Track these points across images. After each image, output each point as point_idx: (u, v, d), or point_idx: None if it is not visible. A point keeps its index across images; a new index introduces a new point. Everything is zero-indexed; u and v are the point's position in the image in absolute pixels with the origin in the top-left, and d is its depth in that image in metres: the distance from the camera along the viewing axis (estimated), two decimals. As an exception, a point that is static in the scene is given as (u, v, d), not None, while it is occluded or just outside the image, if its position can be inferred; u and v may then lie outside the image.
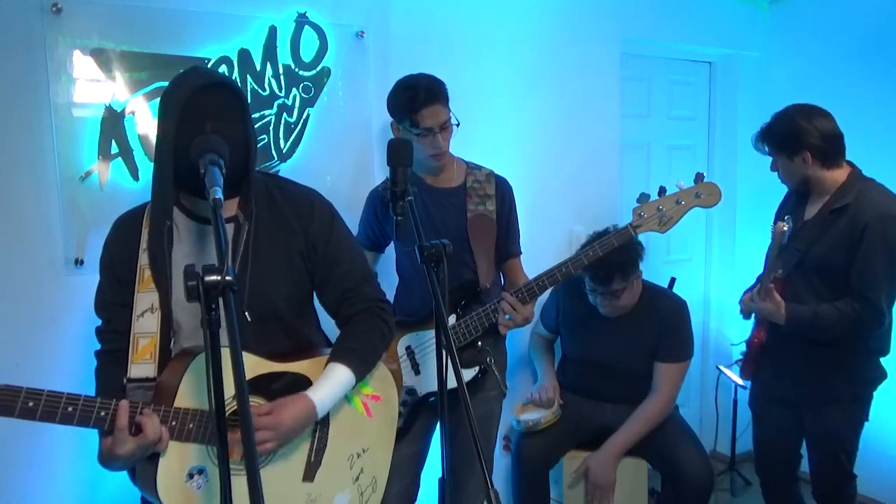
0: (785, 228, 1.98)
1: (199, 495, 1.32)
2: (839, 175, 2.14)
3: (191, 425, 1.32)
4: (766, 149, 2.20)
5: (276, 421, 1.36)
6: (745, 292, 2.36)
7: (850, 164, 2.17)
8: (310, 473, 1.49)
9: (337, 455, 1.53)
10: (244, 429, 0.97)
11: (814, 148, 2.10)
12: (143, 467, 1.33)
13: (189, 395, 1.32)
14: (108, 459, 1.27)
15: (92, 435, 1.45)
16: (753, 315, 2.30)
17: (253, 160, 1.42)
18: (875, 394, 2.21)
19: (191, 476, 1.32)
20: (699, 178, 2.06)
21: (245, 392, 0.98)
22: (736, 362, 2.53)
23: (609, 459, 2.44)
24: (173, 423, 1.30)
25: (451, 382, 1.50)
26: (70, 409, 1.20)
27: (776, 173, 2.22)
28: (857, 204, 2.05)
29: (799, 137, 2.11)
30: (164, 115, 1.37)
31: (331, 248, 1.53)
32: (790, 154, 2.13)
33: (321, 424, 1.51)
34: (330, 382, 1.46)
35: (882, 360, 2.20)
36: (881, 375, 2.20)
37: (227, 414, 1.09)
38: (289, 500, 1.45)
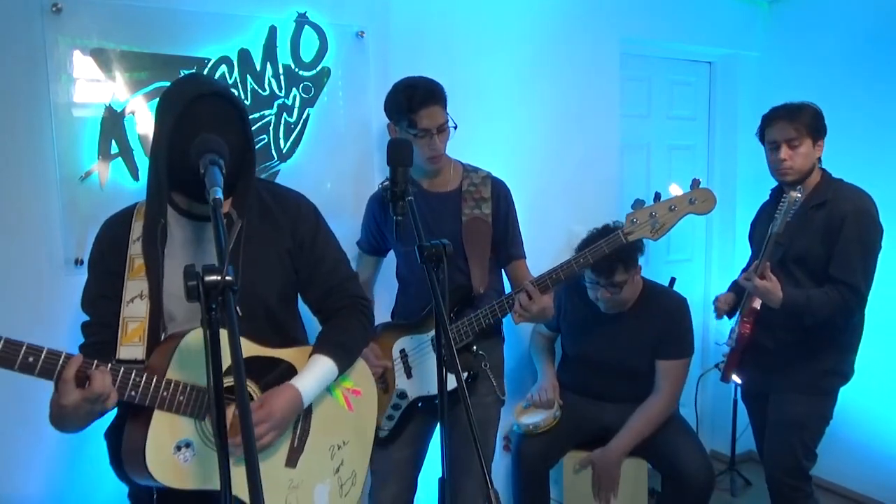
0: (798, 196, 2.02)
1: (185, 468, 1.34)
2: (818, 173, 2.25)
3: (181, 398, 1.35)
4: (790, 131, 2.16)
5: (269, 412, 1.41)
6: (718, 296, 2.46)
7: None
8: (292, 459, 1.53)
9: (319, 444, 1.57)
10: (244, 431, 0.97)
11: (825, 137, 2.20)
12: (131, 435, 1.35)
13: (178, 373, 1.36)
14: (55, 413, 1.29)
15: (89, 435, 1.48)
16: (738, 314, 2.35)
17: (252, 165, 1.46)
18: (849, 386, 2.29)
19: (178, 448, 1.35)
20: (695, 184, 2.03)
21: (245, 395, 0.99)
22: (717, 365, 2.52)
23: (614, 458, 2.45)
24: (164, 393, 1.33)
25: (447, 384, 1.51)
26: (31, 359, 1.21)
27: (783, 162, 2.18)
28: (835, 199, 2.16)
29: (824, 122, 2.20)
30: (159, 122, 1.40)
31: (317, 247, 1.61)
32: (815, 137, 2.19)
33: (304, 412, 1.56)
34: (314, 372, 1.52)
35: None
36: (850, 373, 2.28)
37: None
38: (271, 483, 1.47)
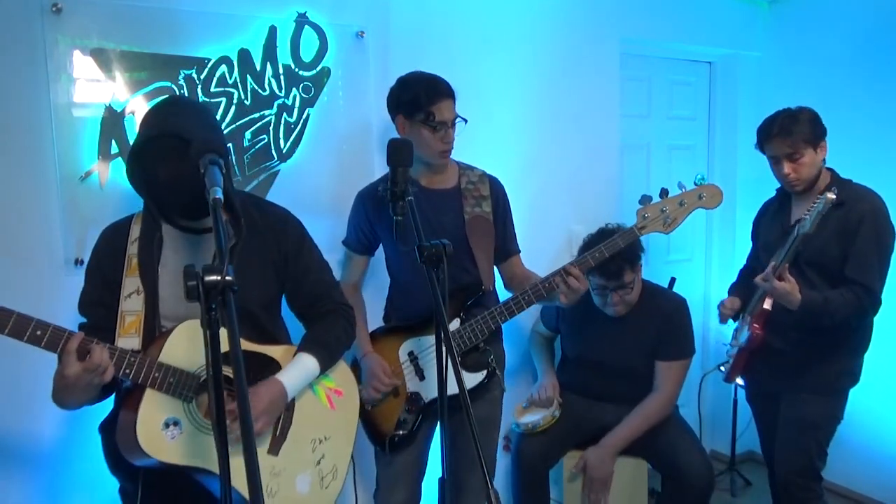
0: (833, 197, 1.98)
1: (173, 444, 1.44)
2: (826, 174, 2.24)
3: (171, 379, 1.45)
4: (786, 147, 2.15)
5: (255, 401, 1.50)
6: (723, 301, 2.43)
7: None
8: (275, 447, 1.61)
9: (301, 436, 1.66)
10: (243, 426, 0.98)
11: (826, 135, 2.19)
12: (124, 415, 1.46)
13: (169, 358, 1.46)
14: (58, 386, 1.40)
15: (88, 435, 1.55)
16: (744, 315, 2.34)
17: (230, 189, 1.53)
18: (854, 388, 2.29)
19: (167, 426, 1.44)
20: (701, 180, 2.09)
21: (246, 394, 0.99)
22: (722, 365, 2.51)
23: (607, 454, 2.44)
24: (156, 374, 1.44)
25: (453, 387, 1.50)
26: (38, 332, 1.35)
27: (788, 176, 2.18)
28: (850, 200, 2.13)
29: (821, 123, 2.19)
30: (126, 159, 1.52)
31: (302, 259, 1.73)
32: (816, 144, 2.17)
33: (287, 405, 1.64)
34: (298, 369, 1.63)
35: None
36: (860, 373, 2.28)
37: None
38: None
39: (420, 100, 1.98)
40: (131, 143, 2.02)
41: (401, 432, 2.07)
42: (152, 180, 1.48)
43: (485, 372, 2.06)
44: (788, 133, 2.15)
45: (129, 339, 1.50)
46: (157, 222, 1.57)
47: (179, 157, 1.39)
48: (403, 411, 2.07)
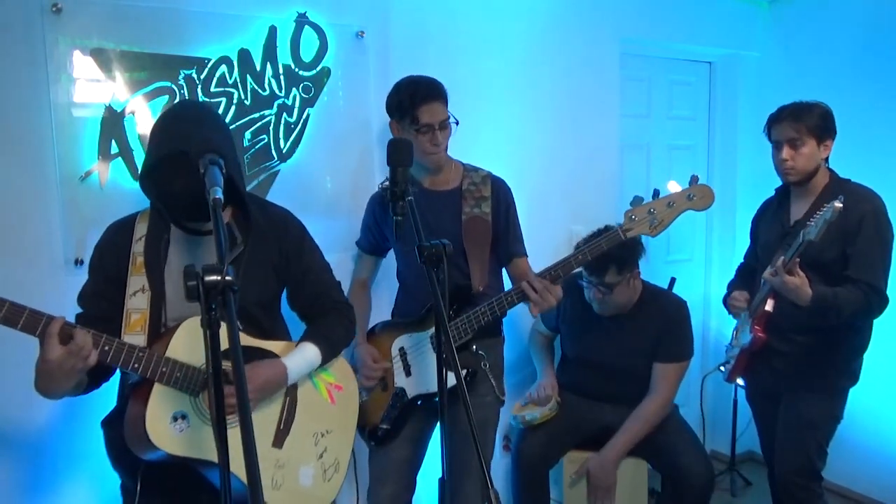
0: (840, 206, 1.94)
1: (180, 437, 1.47)
2: (825, 174, 2.23)
3: (178, 374, 1.47)
4: (791, 132, 2.15)
5: (250, 375, 1.53)
6: (733, 294, 2.40)
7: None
8: (279, 440, 1.65)
9: (303, 429, 1.69)
10: (243, 423, 0.98)
11: (834, 137, 2.18)
12: (133, 407, 1.48)
13: (176, 353, 1.49)
14: (41, 372, 1.37)
15: (90, 431, 1.54)
16: (747, 316, 2.33)
17: (242, 190, 1.56)
18: (854, 388, 2.29)
19: (175, 419, 1.47)
20: (693, 180, 2.01)
21: (246, 398, 0.99)
22: (722, 365, 2.51)
23: (609, 462, 2.44)
24: (164, 368, 1.45)
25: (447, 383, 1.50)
26: (15, 313, 1.33)
27: (785, 162, 2.17)
28: (850, 201, 2.09)
29: (833, 122, 2.18)
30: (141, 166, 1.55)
31: (303, 259, 1.75)
32: (821, 138, 2.16)
33: (290, 397, 1.68)
34: (301, 355, 1.66)
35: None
36: (859, 373, 2.28)
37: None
38: (259, 460, 1.52)
39: (404, 104, 2.01)
40: (131, 144, 2.03)
41: (384, 426, 2.09)
42: (165, 191, 1.52)
43: (465, 371, 2.05)
44: (797, 118, 2.15)
45: (134, 336, 1.51)
46: (166, 224, 1.59)
47: (188, 169, 1.39)
48: (388, 406, 2.09)
